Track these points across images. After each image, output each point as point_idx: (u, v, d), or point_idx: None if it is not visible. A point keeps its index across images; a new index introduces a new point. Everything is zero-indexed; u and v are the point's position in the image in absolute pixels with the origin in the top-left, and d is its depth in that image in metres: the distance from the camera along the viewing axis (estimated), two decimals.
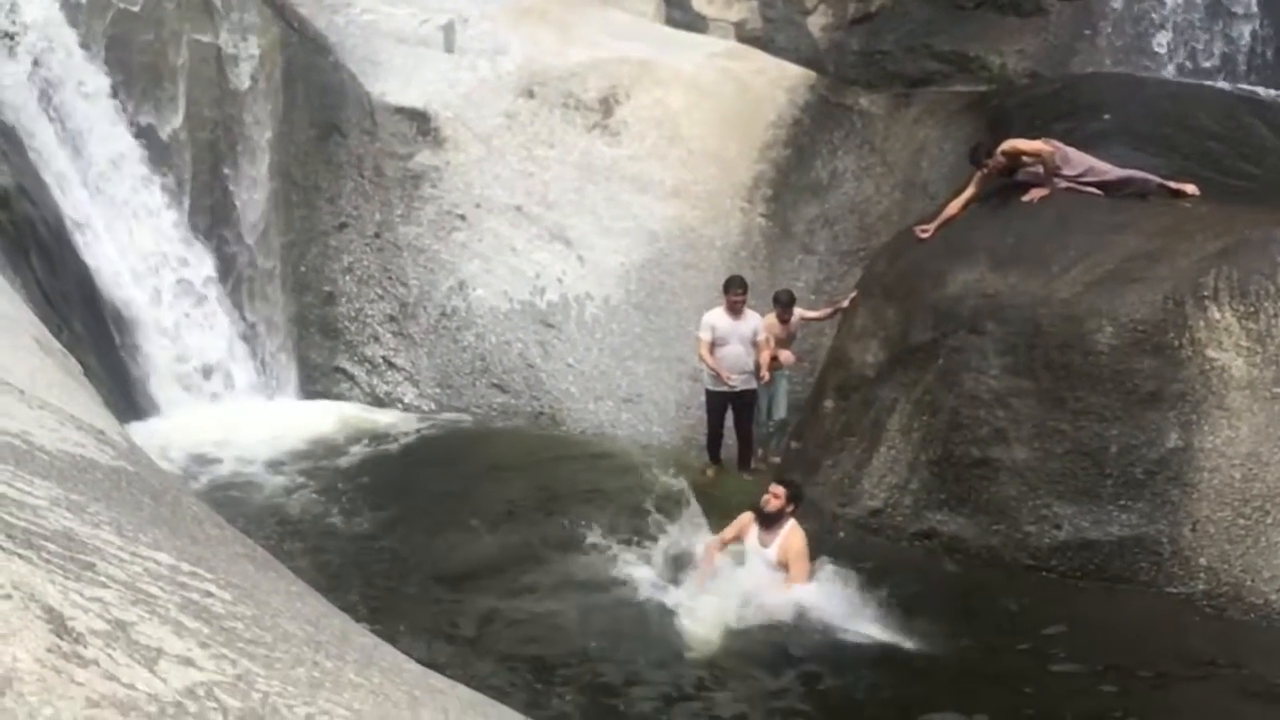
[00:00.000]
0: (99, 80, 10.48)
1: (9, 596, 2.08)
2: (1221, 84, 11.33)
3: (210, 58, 10.99)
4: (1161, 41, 11.71)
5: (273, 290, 11.20)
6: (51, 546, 2.48)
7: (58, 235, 9.94)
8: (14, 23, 10.12)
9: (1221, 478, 7.35)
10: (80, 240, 10.14)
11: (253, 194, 11.11)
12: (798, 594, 7.06)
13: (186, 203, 10.88)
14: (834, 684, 6.70)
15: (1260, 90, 11.22)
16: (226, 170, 11.05)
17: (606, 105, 11.53)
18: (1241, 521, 7.27)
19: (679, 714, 6.41)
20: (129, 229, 10.50)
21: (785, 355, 9.76)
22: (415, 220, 11.20)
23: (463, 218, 11.22)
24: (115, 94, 10.54)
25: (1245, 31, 11.76)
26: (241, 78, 11.10)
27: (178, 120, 10.85)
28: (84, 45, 10.41)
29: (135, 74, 10.68)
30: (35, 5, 10.23)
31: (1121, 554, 7.54)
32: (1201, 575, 7.32)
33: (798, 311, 9.93)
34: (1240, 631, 7.02)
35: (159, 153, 10.74)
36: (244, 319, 11.05)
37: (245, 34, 11.13)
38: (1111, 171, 8.78)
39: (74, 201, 10.18)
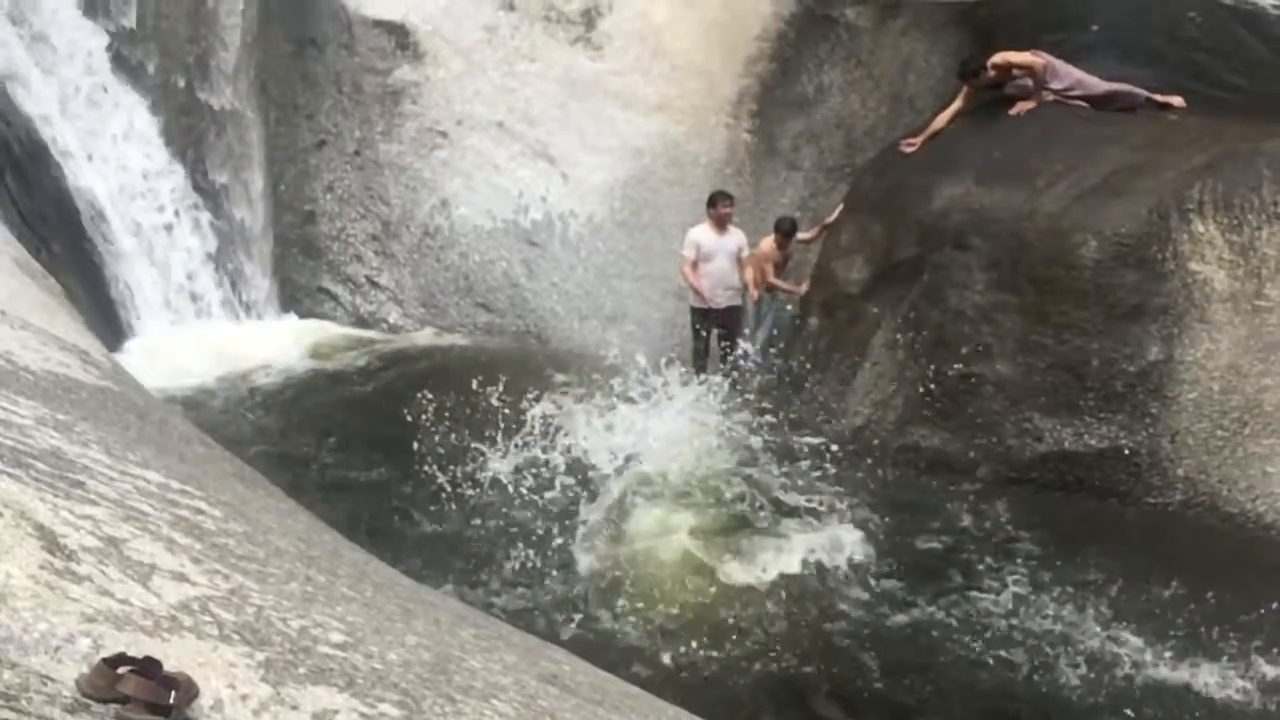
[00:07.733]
0: None
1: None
2: None
3: None
4: None
5: (253, 210, 11.06)
6: (40, 465, 2.48)
7: (33, 156, 9.76)
8: None
9: (1201, 390, 7.42)
10: (55, 161, 9.96)
11: (228, 111, 10.90)
12: None
13: (161, 121, 10.67)
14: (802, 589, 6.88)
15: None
16: (201, 88, 10.82)
17: (589, 18, 11.30)
18: (1219, 433, 7.36)
19: None
20: (102, 150, 10.31)
21: (805, 286, 9.55)
22: (396, 138, 11.03)
23: (444, 135, 11.06)
24: (83, 7, 10.28)
25: None
26: None
27: (149, 35, 10.59)
28: None
29: None
30: None
31: (1101, 466, 7.63)
32: (1179, 486, 7.43)
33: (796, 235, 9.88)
34: (1215, 539, 7.16)
35: (131, 71, 10.50)
36: (224, 239, 10.92)
37: None
38: (1099, 86, 8.71)
39: (47, 121, 9.97)
